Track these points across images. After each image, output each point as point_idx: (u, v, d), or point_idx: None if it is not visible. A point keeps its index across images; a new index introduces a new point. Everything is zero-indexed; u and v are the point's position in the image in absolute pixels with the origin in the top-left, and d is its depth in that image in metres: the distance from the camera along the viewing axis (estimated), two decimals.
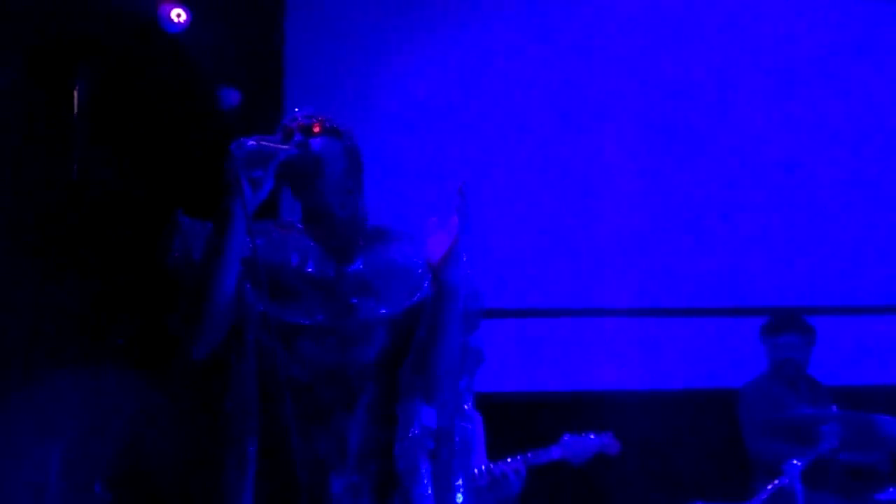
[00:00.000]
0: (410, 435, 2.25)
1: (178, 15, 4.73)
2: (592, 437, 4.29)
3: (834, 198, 5.50)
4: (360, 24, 5.39)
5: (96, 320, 4.59)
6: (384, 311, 2.26)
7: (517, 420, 4.80)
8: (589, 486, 4.79)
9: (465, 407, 2.36)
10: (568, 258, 5.35)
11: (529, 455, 4.10)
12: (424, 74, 5.45)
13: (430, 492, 2.25)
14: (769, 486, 4.08)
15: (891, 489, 4.43)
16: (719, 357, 5.31)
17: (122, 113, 4.84)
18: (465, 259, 2.19)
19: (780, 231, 5.45)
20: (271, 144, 2.17)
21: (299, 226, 2.34)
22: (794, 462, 4.04)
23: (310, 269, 2.26)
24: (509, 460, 4.04)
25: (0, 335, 4.40)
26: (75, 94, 4.76)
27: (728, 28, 5.59)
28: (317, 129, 2.27)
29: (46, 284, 4.48)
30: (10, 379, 4.25)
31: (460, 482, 2.30)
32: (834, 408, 4.40)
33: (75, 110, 4.76)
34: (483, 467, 3.94)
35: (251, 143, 2.13)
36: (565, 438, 4.24)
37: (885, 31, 5.65)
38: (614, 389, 5.20)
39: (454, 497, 2.29)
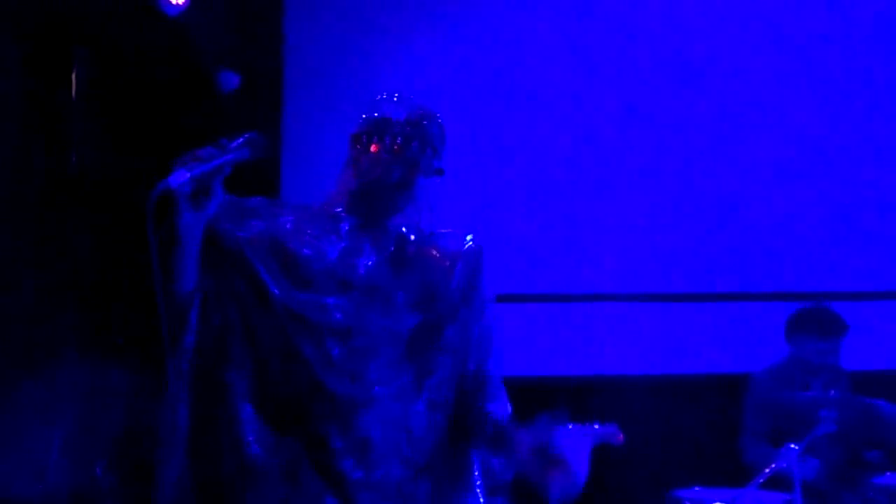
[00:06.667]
0: (435, 430, 2.31)
1: None
2: (597, 426, 4.30)
3: (841, 183, 5.48)
4: (362, 6, 5.36)
5: (95, 307, 4.60)
6: (405, 320, 2.29)
7: (520, 404, 4.80)
8: (590, 470, 4.80)
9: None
10: (573, 243, 5.34)
11: None
12: (427, 59, 5.41)
13: (450, 486, 2.32)
14: (766, 470, 4.10)
15: (888, 474, 4.45)
16: (723, 342, 5.32)
17: (120, 97, 4.83)
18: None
19: (786, 217, 5.44)
20: (207, 164, 2.11)
21: (342, 212, 2.35)
22: (792, 446, 4.05)
23: (339, 269, 2.28)
24: None
25: None
26: (73, 78, 4.74)
27: (736, 15, 5.56)
28: (374, 149, 2.31)
29: (44, 272, 4.48)
30: (10, 365, 4.26)
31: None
32: (832, 392, 4.41)
33: (73, 94, 4.75)
34: None
35: (186, 175, 2.07)
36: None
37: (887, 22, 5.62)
38: (618, 374, 5.21)
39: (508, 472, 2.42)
